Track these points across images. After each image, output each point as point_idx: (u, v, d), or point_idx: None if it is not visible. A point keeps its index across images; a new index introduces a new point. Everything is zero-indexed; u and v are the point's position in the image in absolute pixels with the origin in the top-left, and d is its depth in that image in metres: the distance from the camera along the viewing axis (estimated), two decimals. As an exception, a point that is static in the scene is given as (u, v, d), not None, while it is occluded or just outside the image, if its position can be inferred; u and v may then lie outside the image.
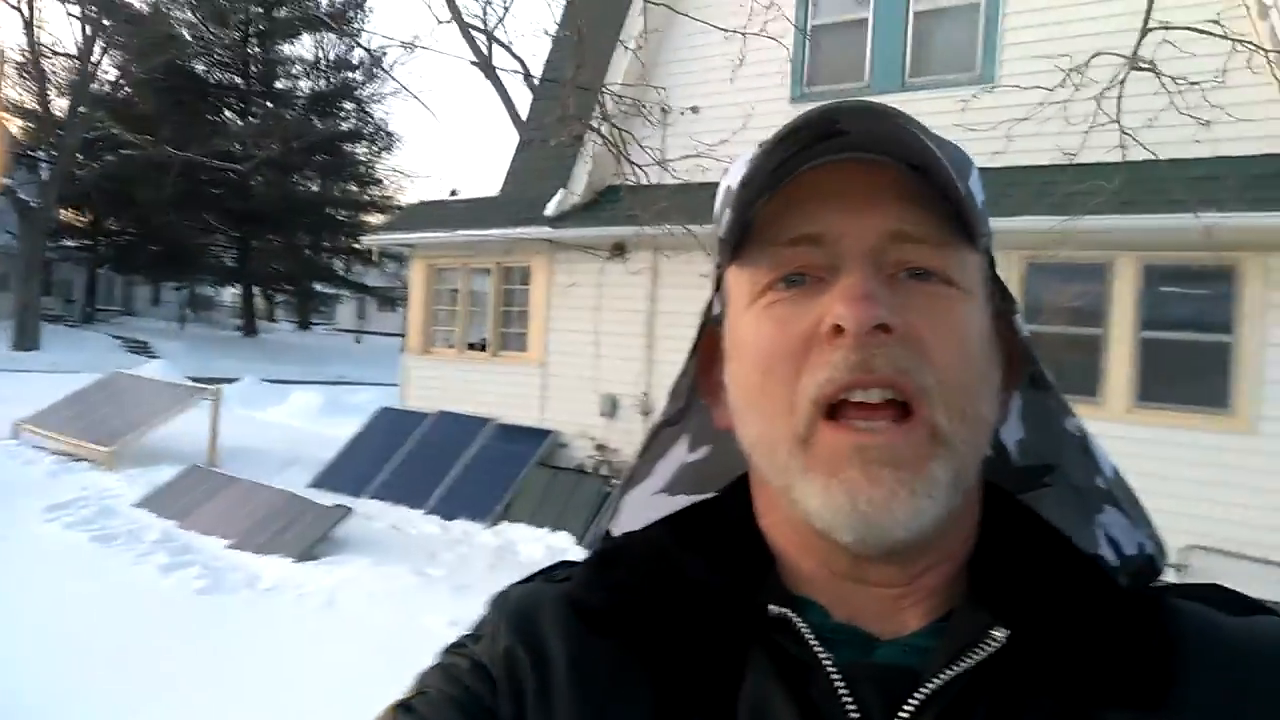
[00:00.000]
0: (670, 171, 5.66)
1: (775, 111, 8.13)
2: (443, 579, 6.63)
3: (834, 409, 0.52)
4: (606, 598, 0.58)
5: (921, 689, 0.51)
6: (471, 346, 10.71)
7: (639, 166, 5.67)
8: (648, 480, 0.68)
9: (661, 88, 7.72)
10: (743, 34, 5.56)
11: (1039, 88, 4.74)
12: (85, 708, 4.34)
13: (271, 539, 7.01)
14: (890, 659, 0.54)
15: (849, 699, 0.51)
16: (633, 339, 8.94)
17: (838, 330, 0.51)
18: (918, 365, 0.51)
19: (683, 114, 8.54)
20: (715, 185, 0.62)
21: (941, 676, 0.51)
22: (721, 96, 7.95)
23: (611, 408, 9.06)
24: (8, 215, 26.93)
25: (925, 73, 7.91)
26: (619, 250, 9.13)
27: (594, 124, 6.43)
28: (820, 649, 0.53)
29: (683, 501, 0.66)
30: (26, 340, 25.43)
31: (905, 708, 0.51)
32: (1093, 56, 4.51)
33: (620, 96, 7.29)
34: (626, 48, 7.77)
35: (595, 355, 9.31)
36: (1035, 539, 0.58)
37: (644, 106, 7.86)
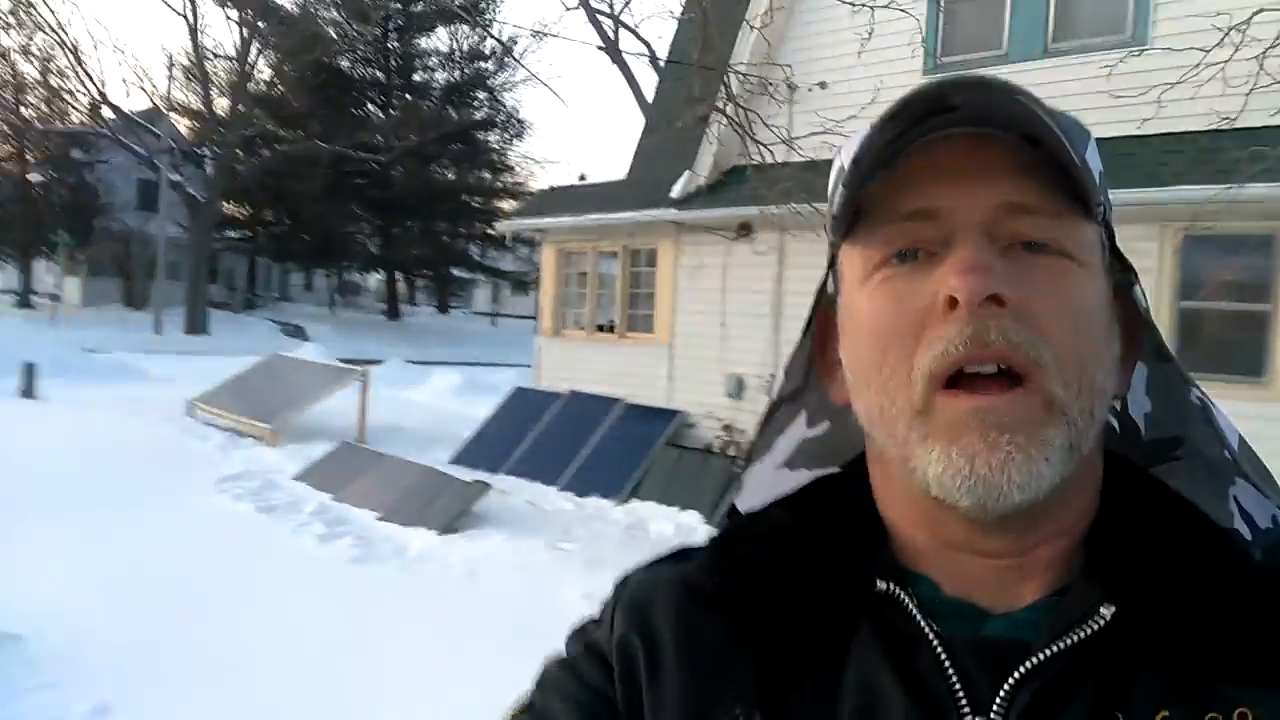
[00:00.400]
0: (796, 150, 5.61)
1: (906, 85, 7.78)
2: (576, 553, 6.85)
3: (950, 380, 0.52)
4: (720, 580, 0.60)
5: (1026, 663, 0.51)
6: (600, 328, 10.94)
7: (765, 146, 5.64)
8: (768, 455, 0.69)
9: (788, 65, 7.63)
10: (871, 6, 5.45)
11: (1194, 49, 4.44)
12: (249, 663, 4.76)
13: (417, 512, 7.42)
14: (1000, 633, 0.54)
15: (953, 672, 0.52)
16: (759, 319, 8.92)
17: (952, 303, 0.51)
18: (1031, 338, 0.51)
19: (810, 90, 8.41)
20: (841, 163, 0.63)
21: (1046, 652, 0.51)
22: (850, 71, 7.78)
23: (738, 388, 9.08)
24: (178, 209, 29.17)
25: (1070, 37, 7.50)
26: (745, 230, 9.11)
27: (720, 105, 6.44)
28: (926, 623, 0.54)
29: (803, 476, 0.67)
30: (196, 325, 27.61)
31: (1009, 681, 0.51)
32: (1255, 14, 4.20)
33: (745, 76, 7.25)
34: (752, 27, 7.70)
35: (721, 336, 9.35)
36: (1161, 512, 0.57)
37: (770, 84, 7.80)
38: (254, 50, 28.87)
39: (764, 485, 0.68)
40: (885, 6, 5.33)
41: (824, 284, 0.63)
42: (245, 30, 28.44)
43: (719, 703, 0.56)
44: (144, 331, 26.14)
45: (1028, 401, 0.51)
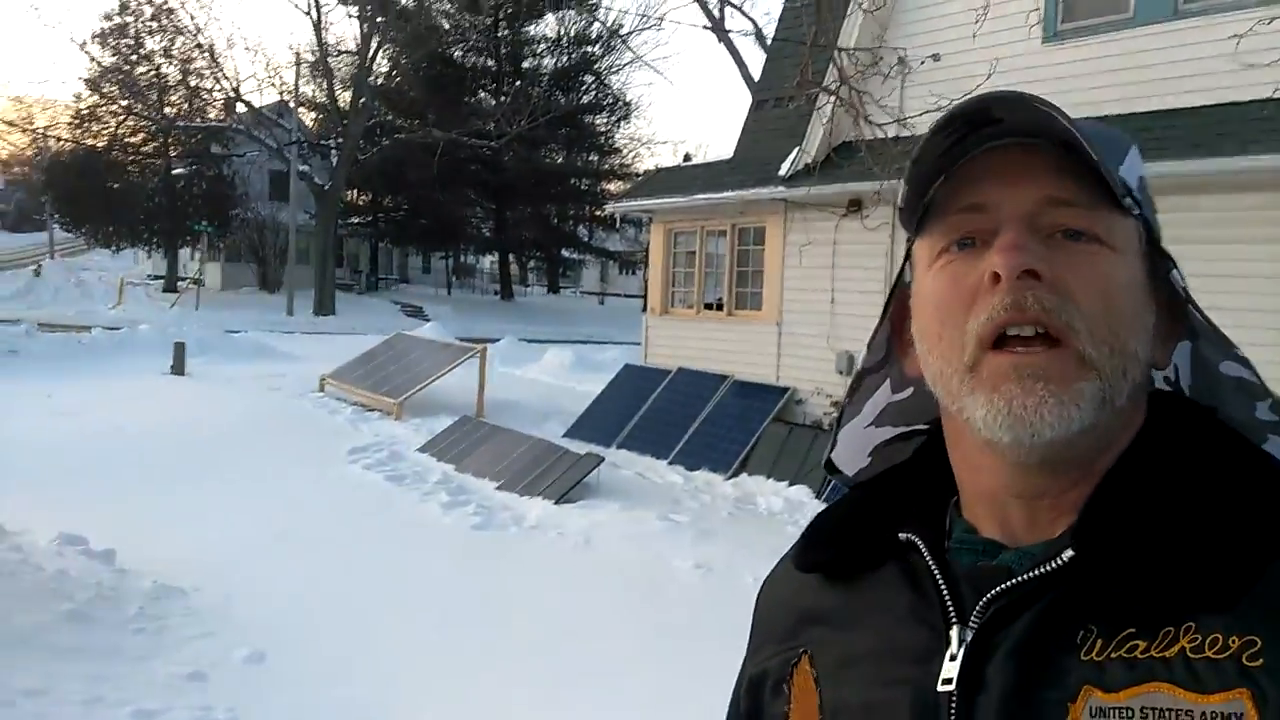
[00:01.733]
0: (908, 127, 5.58)
1: (1027, 53, 7.67)
2: (687, 524, 7.02)
3: (996, 343, 0.63)
4: (800, 551, 0.78)
5: (999, 586, 0.63)
6: (708, 307, 11.05)
7: (877, 125, 5.63)
8: (858, 418, 0.81)
9: (900, 48, 7.52)
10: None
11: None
12: (384, 620, 5.13)
13: (533, 482, 7.75)
14: (1007, 563, 0.65)
15: (947, 593, 0.65)
16: (869, 295, 8.85)
17: (996, 278, 0.62)
18: (1064, 306, 0.61)
19: (922, 64, 8.26)
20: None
21: (1017, 579, 0.62)
22: (964, 43, 7.62)
23: (848, 365, 9.05)
24: (307, 198, 30.69)
25: (1201, -3, 7.14)
26: (855, 207, 9.04)
27: (831, 86, 6.42)
28: (932, 560, 0.67)
29: (888, 431, 0.81)
30: (325, 307, 29.06)
31: (985, 597, 0.63)
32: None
33: (856, 56, 7.20)
34: (861, 8, 7.62)
35: (830, 313, 9.32)
36: (1190, 458, 0.64)
37: (881, 59, 7.71)
38: (374, 44, 29.99)
39: (854, 442, 0.82)
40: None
41: (901, 271, 0.75)
42: (365, 25, 29.54)
43: (779, 644, 0.76)
44: (278, 313, 27.73)
45: (1062, 357, 0.62)
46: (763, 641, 0.78)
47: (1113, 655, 0.58)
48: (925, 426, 0.78)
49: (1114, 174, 0.64)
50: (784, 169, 9.39)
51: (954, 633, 0.63)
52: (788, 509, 7.75)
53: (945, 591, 0.66)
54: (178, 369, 13.76)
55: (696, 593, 5.62)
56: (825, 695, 0.69)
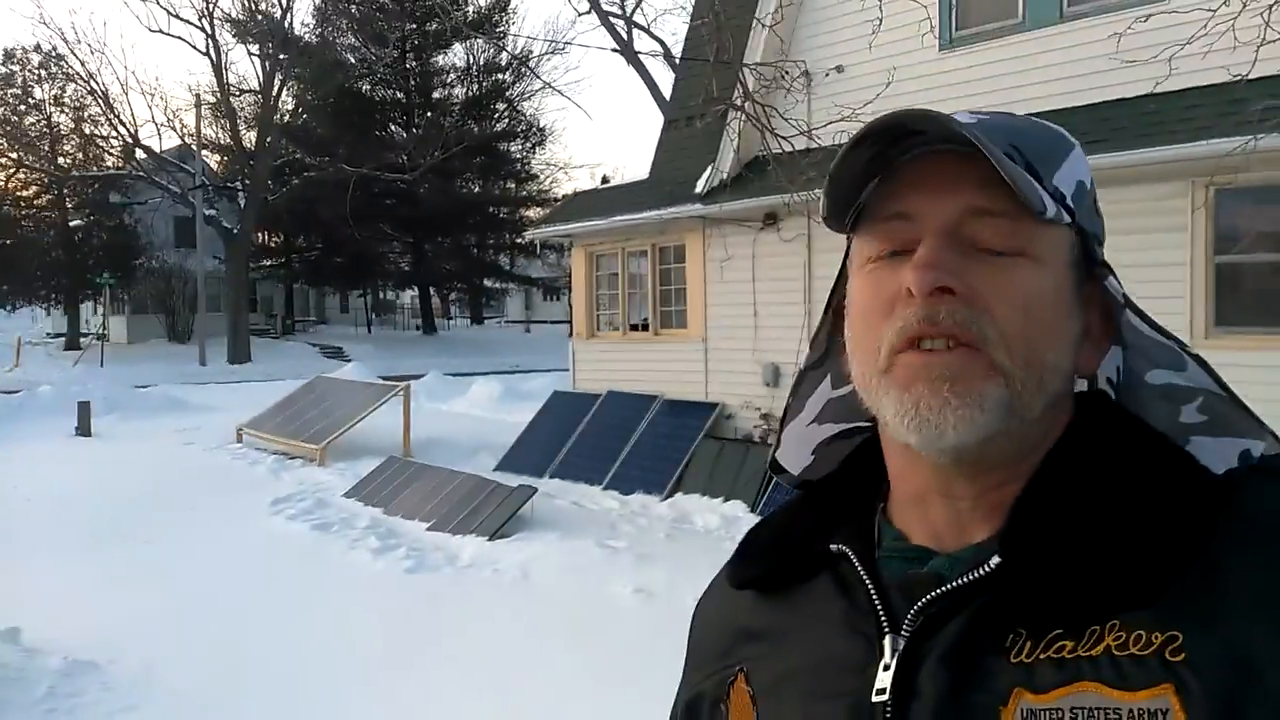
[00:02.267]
0: (814, 139, 5.65)
1: (923, 62, 7.89)
2: (625, 550, 6.94)
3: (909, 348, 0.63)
4: (733, 568, 0.78)
5: (930, 594, 0.63)
6: (634, 328, 11.03)
7: (783, 138, 5.69)
8: (800, 415, 0.81)
9: (800, 61, 7.64)
10: (879, -12, 5.45)
11: (1201, 9, 4.41)
12: (318, 676, 4.91)
13: (466, 520, 7.56)
14: (937, 569, 0.65)
15: (879, 602, 0.65)
16: (791, 306, 8.95)
17: (910, 292, 0.63)
18: (976, 319, 0.61)
19: (827, 75, 8.43)
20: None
21: (947, 587, 0.63)
22: (864, 54, 7.79)
23: (774, 376, 9.12)
24: (215, 243, 29.80)
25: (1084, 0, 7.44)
26: (771, 220, 9.15)
27: (737, 103, 6.47)
28: (862, 569, 0.67)
29: (830, 429, 0.80)
30: (239, 353, 28.18)
31: (916, 605, 0.63)
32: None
33: (760, 73, 7.29)
34: (763, 25, 7.74)
35: (754, 326, 9.39)
36: (1113, 462, 0.64)
37: (786, 74, 7.83)
38: (277, 82, 29.41)
39: (798, 440, 0.81)
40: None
41: (843, 267, 0.74)
42: (268, 63, 28.98)
43: (714, 663, 0.75)
44: (190, 364, 26.75)
45: (970, 360, 0.62)
46: (698, 663, 0.78)
47: (1041, 656, 0.58)
48: (868, 424, 0.77)
49: (1036, 187, 0.62)
50: (700, 186, 9.46)
51: (887, 642, 0.64)
52: (724, 525, 7.73)
53: (877, 601, 0.66)
54: (83, 430, 13.12)
55: (639, 618, 5.53)
56: (762, 712, 0.69)
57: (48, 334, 35.80)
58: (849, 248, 0.72)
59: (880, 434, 0.71)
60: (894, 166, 0.65)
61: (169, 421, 14.37)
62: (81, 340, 30.97)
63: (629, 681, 4.46)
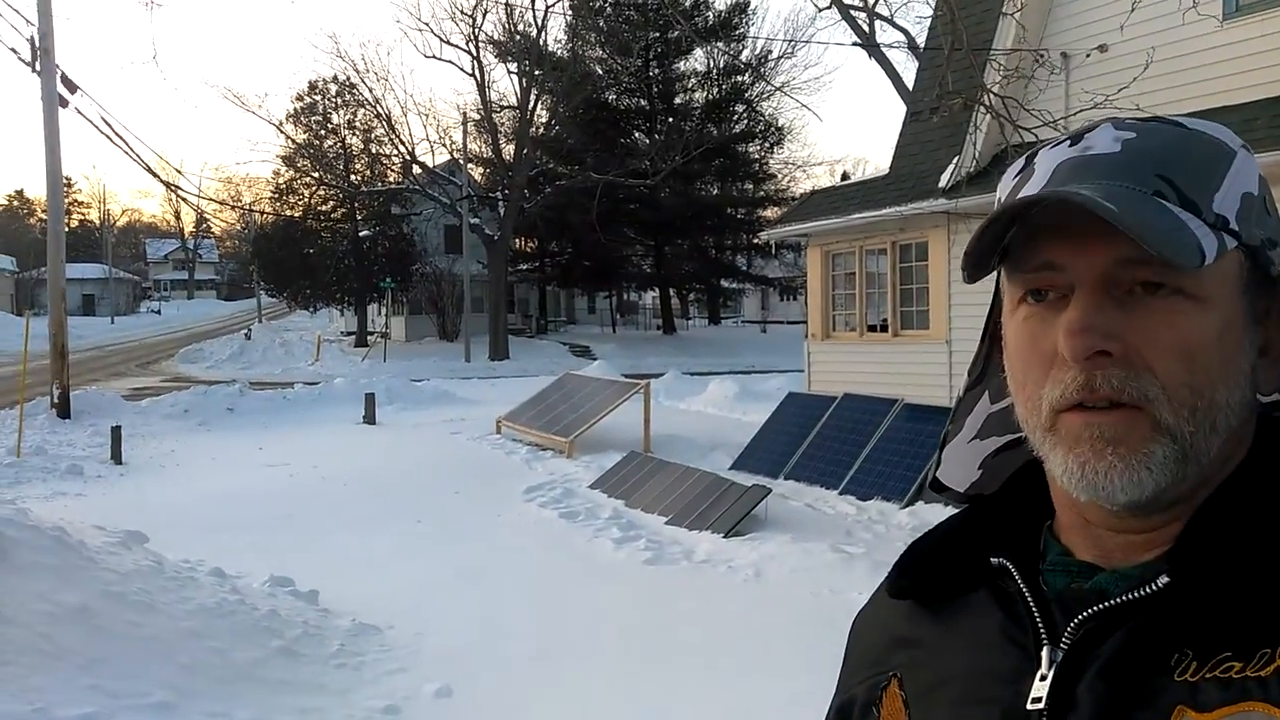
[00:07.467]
0: (1060, 129, 5.28)
1: (1200, 35, 7.09)
2: (861, 556, 6.80)
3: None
4: (894, 579, 0.78)
5: (1091, 609, 0.63)
6: (872, 328, 10.77)
7: (1026, 130, 5.37)
8: (960, 434, 0.81)
9: (1042, 52, 7.13)
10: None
11: None
12: (564, 655, 5.26)
13: (701, 516, 7.76)
14: (1102, 585, 0.65)
15: (1039, 615, 0.66)
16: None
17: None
18: (1136, 379, 0.60)
19: (1088, 56, 7.79)
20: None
21: (1111, 602, 0.62)
22: (1131, 30, 7.14)
23: (1026, 381, 8.57)
24: (479, 249, 32.39)
25: None
26: (1022, 214, 8.60)
27: (978, 96, 6.17)
28: (1023, 584, 0.67)
29: (993, 442, 0.79)
30: (499, 351, 30.49)
31: (1077, 619, 0.63)
32: None
33: (1001, 63, 6.90)
34: (1007, 14, 7.31)
35: (1004, 327, 8.87)
36: None
37: (1040, 56, 7.34)
38: (533, 97, 31.46)
39: (961, 458, 0.82)
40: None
41: (998, 287, 0.73)
42: (524, 80, 31.07)
43: (869, 669, 0.76)
44: (456, 360, 29.31)
45: (1134, 420, 0.61)
46: (853, 668, 0.79)
47: (1207, 676, 0.58)
48: None
49: (1190, 237, 0.59)
50: (944, 180, 9.08)
51: (1045, 653, 0.64)
52: (968, 536, 7.38)
53: (1037, 613, 0.66)
54: (369, 418, 14.78)
55: (873, 626, 5.43)
56: (914, 718, 0.70)
57: (341, 332, 40.53)
58: (999, 275, 0.71)
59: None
60: (1030, 214, 0.63)
61: (439, 413, 15.86)
62: (368, 338, 34.79)
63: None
